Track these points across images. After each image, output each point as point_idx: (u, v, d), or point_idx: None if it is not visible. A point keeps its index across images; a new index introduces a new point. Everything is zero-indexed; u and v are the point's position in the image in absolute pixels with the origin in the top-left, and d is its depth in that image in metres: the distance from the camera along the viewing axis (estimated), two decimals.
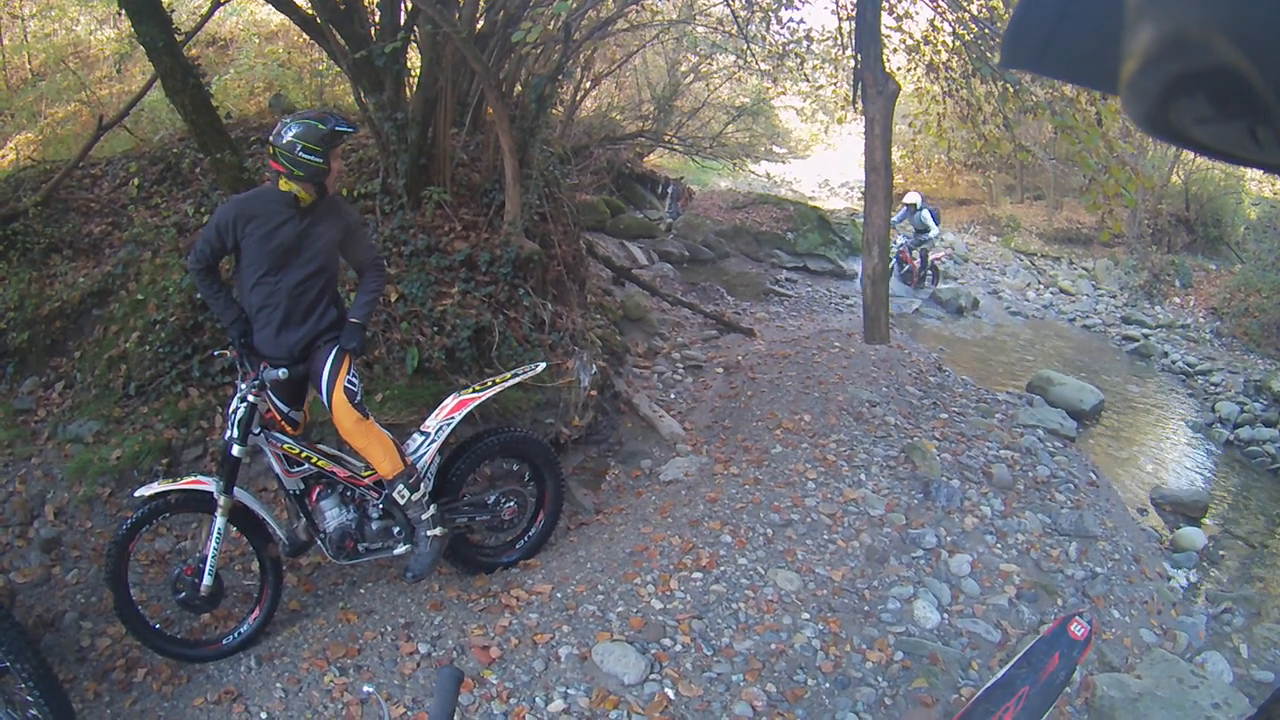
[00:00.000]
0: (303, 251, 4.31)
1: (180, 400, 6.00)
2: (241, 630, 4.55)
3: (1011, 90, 7.94)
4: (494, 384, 5.03)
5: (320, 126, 4.17)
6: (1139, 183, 7.93)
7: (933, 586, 5.22)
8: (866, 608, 4.95)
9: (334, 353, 4.40)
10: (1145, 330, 16.85)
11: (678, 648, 4.46)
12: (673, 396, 8.81)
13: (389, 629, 4.61)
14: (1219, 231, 22.25)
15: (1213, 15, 0.45)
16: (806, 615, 4.77)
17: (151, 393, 6.04)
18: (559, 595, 4.88)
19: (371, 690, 3.51)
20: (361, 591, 5.02)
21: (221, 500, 4.31)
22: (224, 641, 4.54)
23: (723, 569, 5.10)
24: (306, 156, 4.16)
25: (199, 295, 6.15)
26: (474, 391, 4.97)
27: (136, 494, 4.39)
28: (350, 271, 5.28)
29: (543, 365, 5.33)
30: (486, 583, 5.12)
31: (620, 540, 5.61)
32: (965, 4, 8.05)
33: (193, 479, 4.40)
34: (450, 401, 4.94)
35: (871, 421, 7.24)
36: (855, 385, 8.09)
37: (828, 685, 4.33)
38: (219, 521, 4.34)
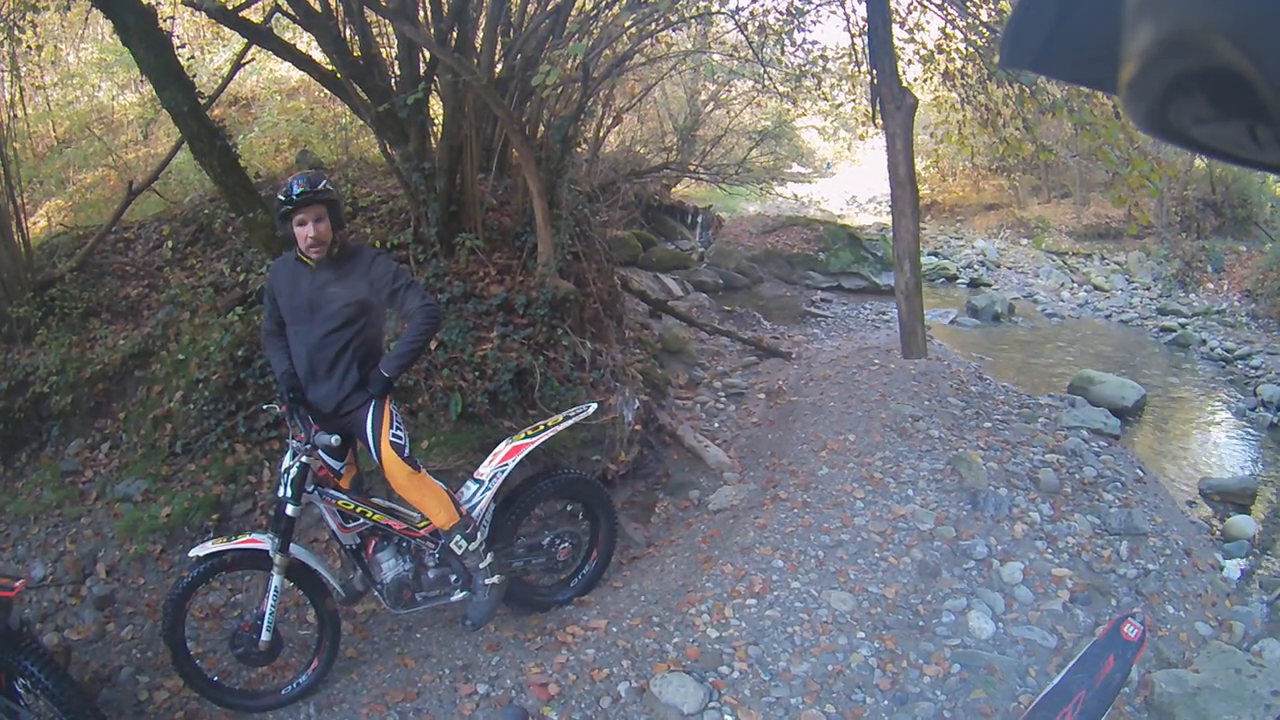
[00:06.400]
0: (319, 309, 4.35)
1: (227, 456, 6.06)
2: (300, 681, 4.58)
3: (1028, 92, 7.93)
4: (546, 428, 5.03)
5: (279, 197, 4.26)
6: (1163, 171, 7.87)
7: (986, 596, 5.19)
8: (921, 623, 4.93)
9: (372, 407, 4.44)
10: (1182, 320, 16.72)
11: (735, 675, 4.47)
12: (716, 425, 8.80)
13: (447, 671, 4.65)
14: (1247, 211, 21.84)
15: (1212, 15, 0.45)
16: (862, 634, 4.77)
17: (198, 450, 6.11)
18: (614, 629, 4.90)
19: None
20: (418, 636, 5.07)
21: (278, 559, 4.31)
22: (282, 692, 4.57)
23: (776, 594, 5.10)
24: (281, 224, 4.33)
25: (240, 353, 6.27)
26: (526, 437, 4.98)
27: (192, 553, 4.42)
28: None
29: (594, 407, 5.32)
30: (542, 621, 5.15)
31: (673, 571, 5.63)
32: (974, 10, 8.06)
33: (248, 538, 4.41)
34: (503, 448, 4.95)
35: (916, 436, 7.21)
36: (897, 401, 8.06)
37: (886, 703, 4.32)
38: (276, 579, 4.34)
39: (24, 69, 9.70)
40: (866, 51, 8.09)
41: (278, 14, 6.97)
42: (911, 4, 8.87)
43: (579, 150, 9.59)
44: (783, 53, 10.15)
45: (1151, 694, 4.44)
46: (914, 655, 4.65)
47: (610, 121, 13.01)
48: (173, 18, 7.47)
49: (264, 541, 4.35)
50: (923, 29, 9.10)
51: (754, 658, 4.58)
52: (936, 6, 8.34)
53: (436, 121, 7.22)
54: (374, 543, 4.69)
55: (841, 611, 4.95)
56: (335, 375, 4.40)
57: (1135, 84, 0.52)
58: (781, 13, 9.38)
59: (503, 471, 4.89)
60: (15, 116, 8.94)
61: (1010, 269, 21.07)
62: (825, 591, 5.13)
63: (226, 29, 7.99)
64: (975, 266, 20.98)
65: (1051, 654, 4.76)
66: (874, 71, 7.28)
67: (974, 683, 4.43)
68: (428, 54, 6.53)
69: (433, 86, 6.80)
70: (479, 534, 4.73)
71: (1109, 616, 4.99)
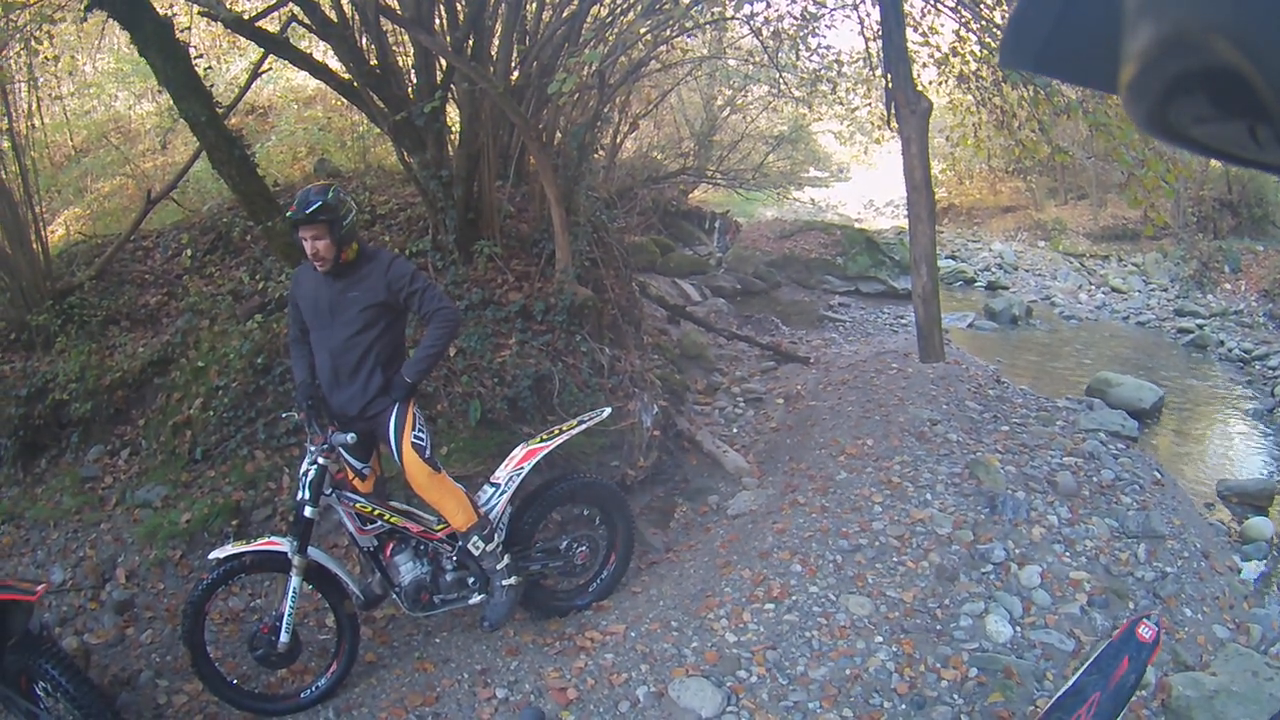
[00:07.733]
0: (339, 314, 4.40)
1: (247, 463, 6.09)
2: (319, 684, 4.60)
3: (1042, 94, 7.90)
4: (561, 432, 5.05)
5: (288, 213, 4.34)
6: (1178, 172, 7.81)
7: (1004, 600, 5.18)
8: (939, 627, 4.92)
9: (395, 409, 4.48)
10: (1199, 321, 16.65)
11: (753, 679, 4.47)
12: (735, 430, 8.80)
13: (466, 676, 4.66)
14: (1264, 211, 21.72)
15: (1212, 15, 0.45)
16: (879, 638, 4.76)
17: (218, 456, 6.14)
18: (633, 634, 4.91)
19: None
20: (437, 641, 5.09)
21: (296, 560, 4.34)
22: (302, 695, 4.59)
23: (794, 598, 5.10)
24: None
25: (259, 360, 6.30)
26: (541, 441, 5.01)
27: (211, 556, 4.46)
28: None
29: (608, 411, 5.33)
30: (561, 626, 5.16)
31: (691, 576, 5.63)
32: (988, 13, 8.04)
33: (267, 540, 4.46)
34: (519, 452, 4.98)
35: (934, 440, 7.18)
36: (915, 405, 8.02)
37: (904, 707, 4.31)
38: (294, 581, 4.37)
39: (41, 79, 9.79)
40: (881, 55, 8.07)
41: (294, 23, 7.00)
42: (925, 7, 8.85)
43: (596, 157, 9.61)
44: (798, 57, 10.16)
45: (1169, 697, 4.42)
46: (932, 659, 4.64)
47: (627, 128, 13.01)
48: (190, 28, 7.50)
49: (282, 544, 4.38)
50: (937, 32, 9.07)
51: (772, 662, 4.58)
52: (950, 9, 8.32)
53: (454, 129, 7.24)
54: (392, 545, 4.72)
55: (859, 616, 4.94)
56: (359, 379, 4.44)
57: (1135, 84, 0.52)
58: (796, 17, 9.39)
59: (518, 475, 4.92)
60: (33, 126, 9.02)
61: (1028, 271, 21.00)
62: (843, 596, 5.12)
63: (243, 39, 8.04)
64: (993, 269, 20.91)
65: (1069, 657, 4.74)
66: (888, 75, 7.26)
67: (991, 686, 4.41)
68: (444, 62, 6.55)
69: (449, 94, 6.81)
70: (496, 535, 4.75)
71: (1126, 619, 4.97)
